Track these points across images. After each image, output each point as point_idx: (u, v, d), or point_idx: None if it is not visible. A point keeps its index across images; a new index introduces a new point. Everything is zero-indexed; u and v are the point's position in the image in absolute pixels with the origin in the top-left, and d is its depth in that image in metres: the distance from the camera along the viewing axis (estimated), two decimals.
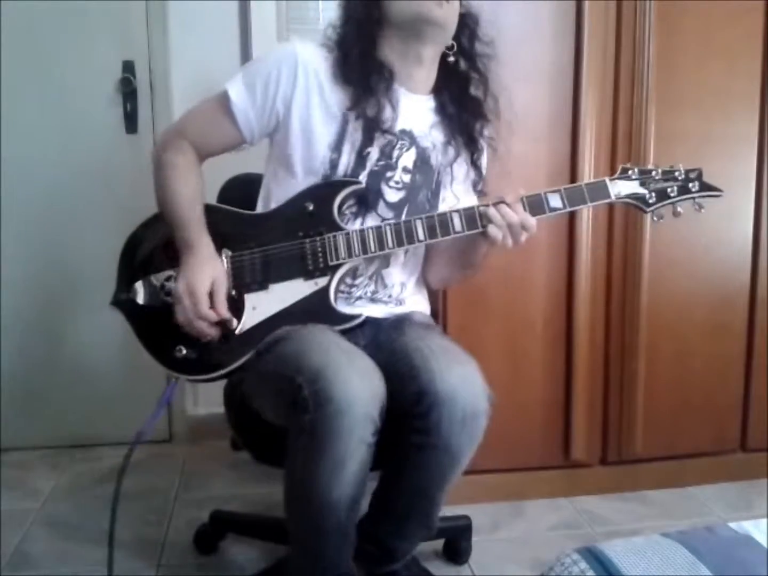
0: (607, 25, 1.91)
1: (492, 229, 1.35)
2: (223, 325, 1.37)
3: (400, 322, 1.48)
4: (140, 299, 1.44)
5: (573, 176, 1.95)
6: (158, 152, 1.46)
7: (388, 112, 1.41)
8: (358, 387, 1.16)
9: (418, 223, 1.37)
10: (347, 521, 1.27)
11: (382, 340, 1.43)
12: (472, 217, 1.36)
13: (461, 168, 1.51)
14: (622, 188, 1.39)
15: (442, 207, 1.50)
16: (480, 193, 1.54)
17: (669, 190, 1.39)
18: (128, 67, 2.32)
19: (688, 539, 0.95)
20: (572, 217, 1.96)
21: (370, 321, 1.45)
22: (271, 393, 1.31)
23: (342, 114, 1.40)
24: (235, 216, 1.46)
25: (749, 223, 2.08)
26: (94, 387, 2.42)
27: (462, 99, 1.48)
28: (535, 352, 2.00)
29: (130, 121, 2.34)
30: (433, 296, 1.68)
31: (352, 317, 1.37)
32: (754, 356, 2.13)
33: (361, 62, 1.39)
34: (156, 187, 1.44)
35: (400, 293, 1.51)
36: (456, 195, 1.53)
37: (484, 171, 1.55)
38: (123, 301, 1.46)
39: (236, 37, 2.33)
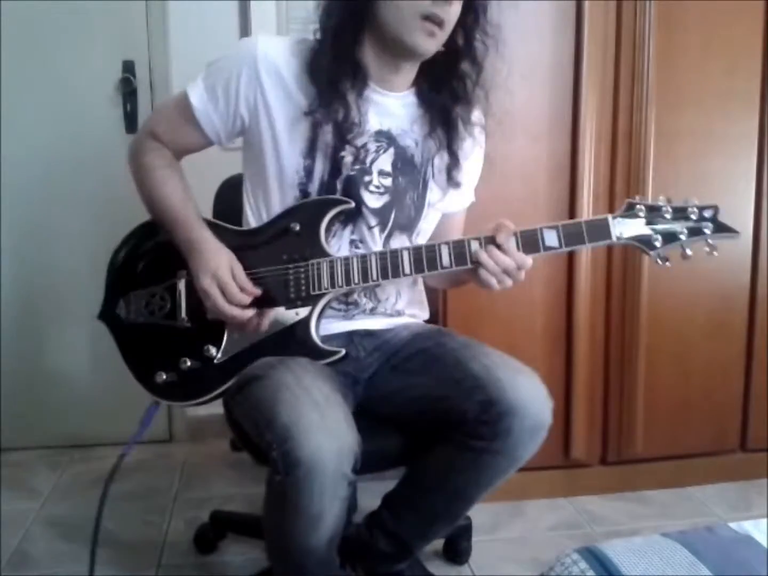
0: (607, 25, 1.91)
1: (484, 275, 1.29)
2: (256, 304, 1.32)
3: (423, 332, 1.47)
4: (124, 316, 1.42)
5: (573, 176, 1.95)
6: (135, 158, 1.42)
7: (358, 114, 1.33)
8: (328, 447, 1.13)
9: (405, 255, 1.30)
10: (328, 555, 1.28)
11: (413, 351, 1.41)
12: (461, 253, 1.30)
13: (443, 160, 1.43)
14: (625, 229, 1.28)
15: (428, 212, 1.45)
16: (456, 185, 1.44)
17: (678, 231, 1.27)
18: (128, 67, 2.32)
19: (688, 539, 0.95)
20: (572, 217, 1.96)
21: (369, 333, 1.45)
22: (251, 430, 1.30)
23: (311, 116, 1.32)
24: (221, 231, 1.39)
25: (749, 223, 2.07)
26: (93, 387, 2.43)
27: (444, 79, 1.38)
28: (535, 352, 2.00)
29: (130, 121, 2.34)
30: (433, 296, 1.67)
31: (332, 353, 1.32)
32: (754, 356, 2.13)
33: (333, 61, 1.30)
34: (142, 194, 1.40)
35: (395, 304, 1.48)
36: (439, 187, 1.45)
37: (461, 159, 1.43)
38: (108, 316, 1.45)
39: (236, 37, 2.33)
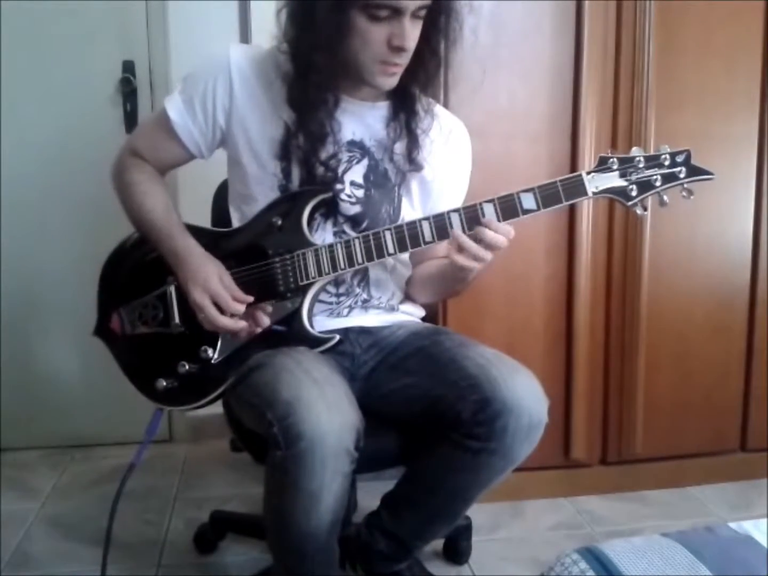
0: (607, 25, 1.91)
1: (457, 258, 1.27)
2: (252, 316, 1.32)
3: (420, 332, 1.47)
4: (118, 330, 1.43)
5: None
6: (117, 175, 1.44)
7: (331, 124, 1.34)
8: (329, 421, 1.14)
9: (388, 235, 1.31)
10: (328, 542, 1.28)
11: (410, 351, 1.42)
12: (442, 227, 1.29)
13: (403, 143, 1.41)
14: (600, 182, 1.27)
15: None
16: (418, 167, 1.42)
17: (654, 179, 1.26)
18: (128, 67, 2.32)
19: (688, 539, 0.95)
20: (572, 217, 1.96)
21: (364, 330, 1.45)
22: (251, 419, 1.31)
23: (284, 121, 1.34)
24: (205, 234, 1.40)
25: (749, 223, 2.08)
26: (93, 387, 2.42)
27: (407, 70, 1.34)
28: (535, 352, 2.00)
29: (130, 121, 2.33)
30: None
31: (327, 339, 1.34)
32: (754, 356, 2.13)
33: (308, 91, 1.30)
34: (126, 210, 1.42)
35: (391, 299, 1.49)
36: (412, 204, 1.45)
37: (420, 141, 1.41)
38: (103, 332, 1.46)
39: (236, 37, 2.33)
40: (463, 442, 1.28)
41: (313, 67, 1.29)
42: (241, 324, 1.31)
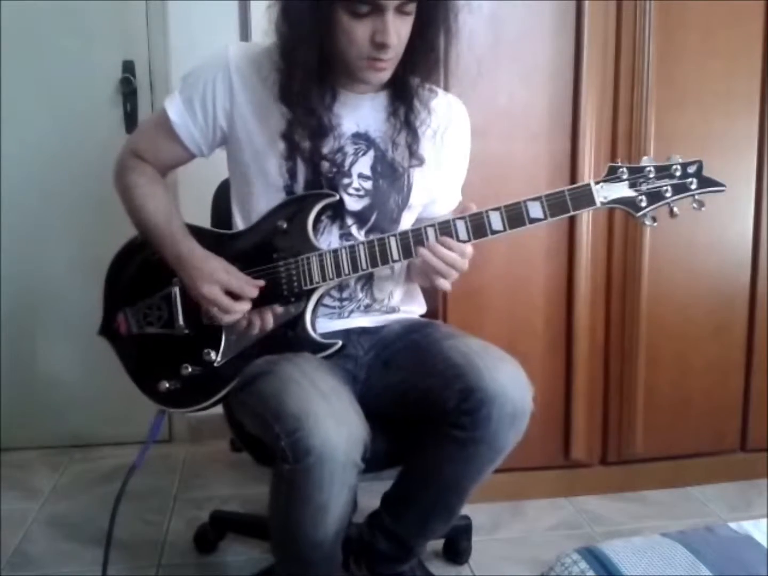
0: (607, 25, 1.91)
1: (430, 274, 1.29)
2: (260, 316, 1.33)
3: (412, 325, 1.47)
4: (124, 330, 1.43)
5: (573, 176, 1.95)
6: (118, 178, 1.44)
7: (332, 118, 1.34)
8: (337, 435, 1.15)
9: (393, 242, 1.30)
10: (333, 549, 1.29)
11: (402, 345, 1.42)
12: (448, 234, 1.29)
13: (403, 137, 1.40)
14: (608, 192, 1.25)
15: (406, 214, 1.43)
16: (419, 160, 1.41)
17: (664, 189, 1.25)
18: (128, 67, 2.32)
19: (688, 539, 0.95)
20: (572, 217, 1.96)
21: (366, 331, 1.45)
22: (255, 427, 1.31)
23: (286, 120, 1.33)
24: (210, 236, 1.40)
25: (749, 222, 2.08)
26: (93, 387, 2.42)
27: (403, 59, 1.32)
28: (535, 352, 2.00)
29: (130, 121, 2.33)
30: (431, 295, 1.67)
31: (329, 345, 1.33)
32: (754, 356, 2.13)
33: (303, 86, 1.30)
34: (128, 213, 1.41)
35: (390, 301, 1.49)
36: (421, 188, 1.43)
37: (420, 134, 1.39)
38: (108, 332, 1.46)
39: (236, 37, 2.33)
40: (450, 432, 1.28)
41: (301, 62, 1.28)
42: (244, 312, 1.31)
